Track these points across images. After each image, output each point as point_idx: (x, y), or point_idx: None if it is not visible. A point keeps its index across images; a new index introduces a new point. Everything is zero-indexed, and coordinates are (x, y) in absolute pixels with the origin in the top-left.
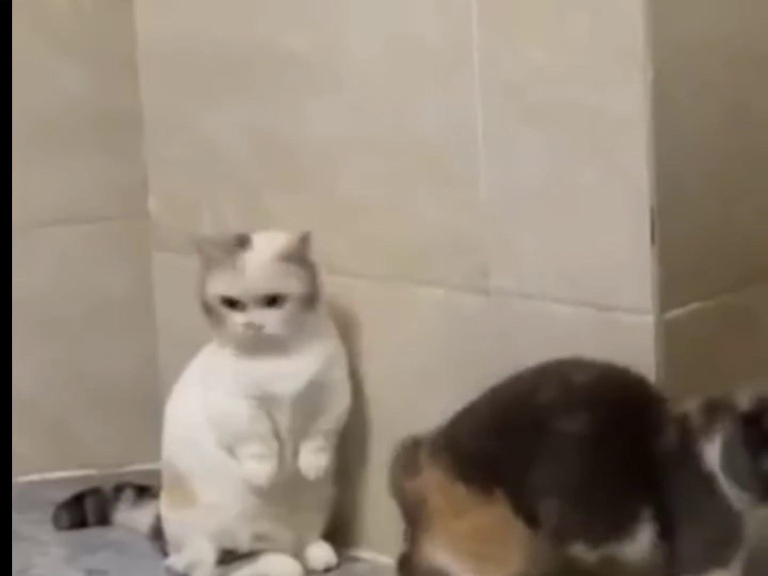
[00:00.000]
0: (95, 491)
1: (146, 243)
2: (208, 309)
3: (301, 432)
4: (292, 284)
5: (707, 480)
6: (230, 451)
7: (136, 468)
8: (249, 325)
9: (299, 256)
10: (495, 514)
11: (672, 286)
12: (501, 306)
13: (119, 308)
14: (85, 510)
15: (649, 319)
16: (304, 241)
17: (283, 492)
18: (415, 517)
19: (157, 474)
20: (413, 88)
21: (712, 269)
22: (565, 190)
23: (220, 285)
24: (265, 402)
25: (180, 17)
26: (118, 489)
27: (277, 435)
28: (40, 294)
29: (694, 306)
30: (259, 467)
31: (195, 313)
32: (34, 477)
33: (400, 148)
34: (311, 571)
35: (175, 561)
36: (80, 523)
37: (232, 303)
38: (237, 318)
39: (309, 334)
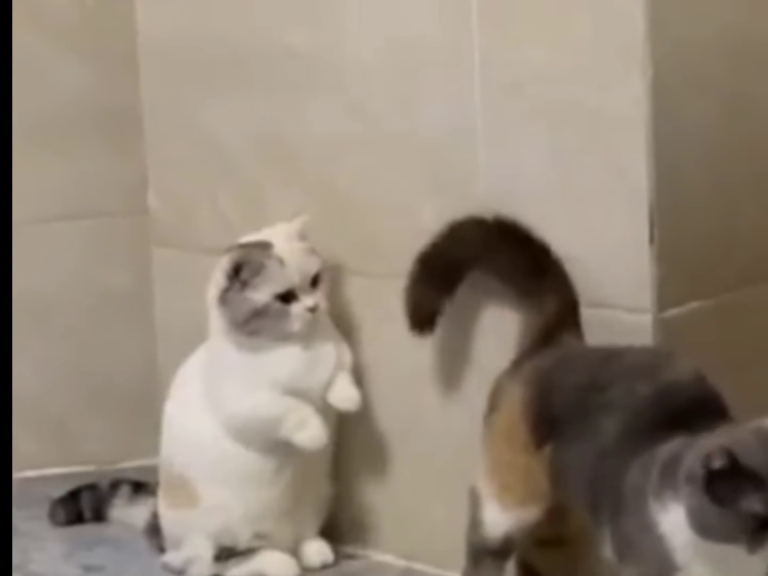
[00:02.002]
0: (91, 487)
1: (146, 239)
2: (260, 315)
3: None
4: (319, 260)
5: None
6: (272, 443)
7: (134, 464)
8: (309, 309)
9: (306, 237)
10: (534, 468)
11: (670, 285)
12: (498, 307)
13: (119, 304)
14: (81, 506)
15: (648, 318)
16: (307, 223)
17: (287, 488)
18: (489, 408)
19: (154, 470)
20: (413, 86)
21: (711, 268)
22: (564, 188)
23: (272, 285)
24: (296, 392)
25: (180, 14)
26: (114, 485)
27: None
28: (40, 290)
29: (692, 305)
30: (308, 433)
31: (194, 309)
32: (32, 473)
33: (399, 145)
34: (308, 569)
35: (172, 557)
36: (76, 518)
37: (285, 298)
38: (297, 308)
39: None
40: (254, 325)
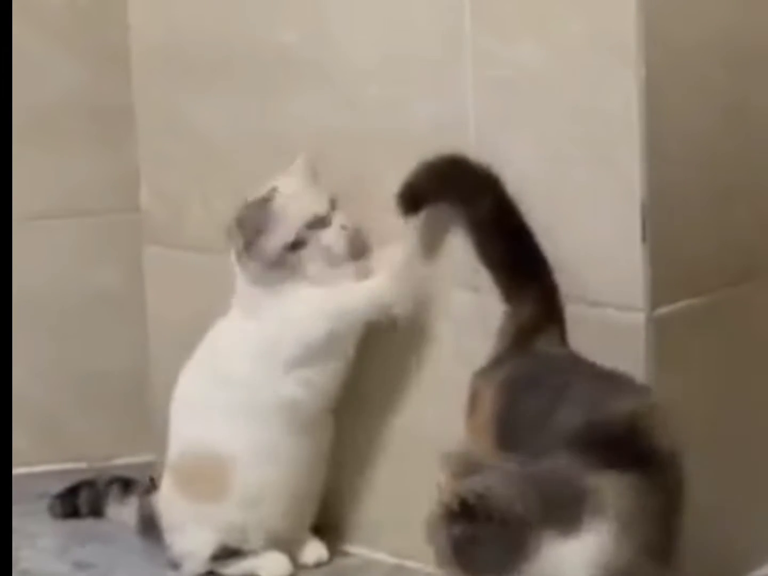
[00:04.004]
0: (90, 483)
1: (138, 237)
2: (289, 253)
3: None
4: (326, 195)
5: None
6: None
7: (126, 461)
8: (344, 227)
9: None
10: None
11: (663, 283)
12: (491, 302)
13: (110, 301)
14: (78, 501)
15: (640, 316)
16: (310, 161)
17: (312, 472)
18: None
19: (146, 467)
20: (405, 83)
21: (704, 266)
22: (556, 186)
23: (300, 214)
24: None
25: (172, 12)
26: (109, 483)
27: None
28: (31, 286)
29: (684, 303)
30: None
31: (186, 306)
32: (24, 470)
33: (391, 142)
34: (302, 567)
35: (170, 549)
36: (73, 513)
37: (315, 224)
38: (332, 231)
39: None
40: (284, 267)
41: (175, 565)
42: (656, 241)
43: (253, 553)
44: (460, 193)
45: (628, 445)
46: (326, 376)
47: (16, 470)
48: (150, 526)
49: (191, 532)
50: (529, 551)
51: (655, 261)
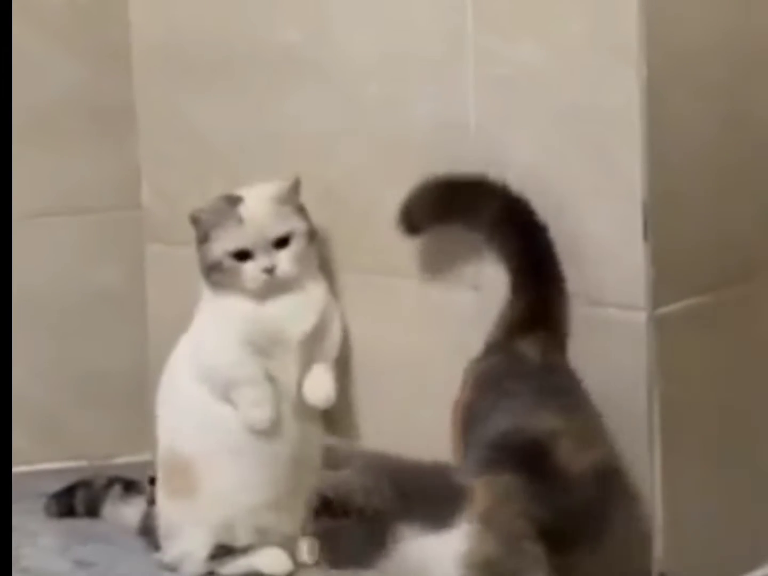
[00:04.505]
0: (87, 483)
1: (139, 235)
2: (215, 270)
3: (303, 372)
4: (294, 223)
5: None
6: (226, 399)
7: (126, 460)
8: (265, 270)
9: (291, 200)
10: None
11: (664, 282)
12: (492, 301)
13: (111, 300)
14: (75, 501)
15: (642, 316)
16: (295, 187)
17: (285, 475)
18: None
19: (146, 466)
20: (406, 81)
21: (705, 265)
22: (557, 185)
23: (226, 242)
24: (269, 346)
25: (173, 11)
26: (108, 483)
27: (274, 382)
28: (31, 285)
29: (686, 302)
30: (258, 412)
31: (186, 304)
32: (24, 468)
33: (392, 140)
34: (302, 565)
35: (166, 553)
36: (68, 512)
37: (241, 256)
38: (250, 267)
39: (311, 272)
40: (214, 278)
41: (173, 569)
42: (658, 240)
43: (251, 550)
44: (461, 213)
45: (530, 458)
46: (258, 394)
47: (17, 469)
48: (152, 527)
49: (186, 533)
50: (390, 545)
51: (656, 260)
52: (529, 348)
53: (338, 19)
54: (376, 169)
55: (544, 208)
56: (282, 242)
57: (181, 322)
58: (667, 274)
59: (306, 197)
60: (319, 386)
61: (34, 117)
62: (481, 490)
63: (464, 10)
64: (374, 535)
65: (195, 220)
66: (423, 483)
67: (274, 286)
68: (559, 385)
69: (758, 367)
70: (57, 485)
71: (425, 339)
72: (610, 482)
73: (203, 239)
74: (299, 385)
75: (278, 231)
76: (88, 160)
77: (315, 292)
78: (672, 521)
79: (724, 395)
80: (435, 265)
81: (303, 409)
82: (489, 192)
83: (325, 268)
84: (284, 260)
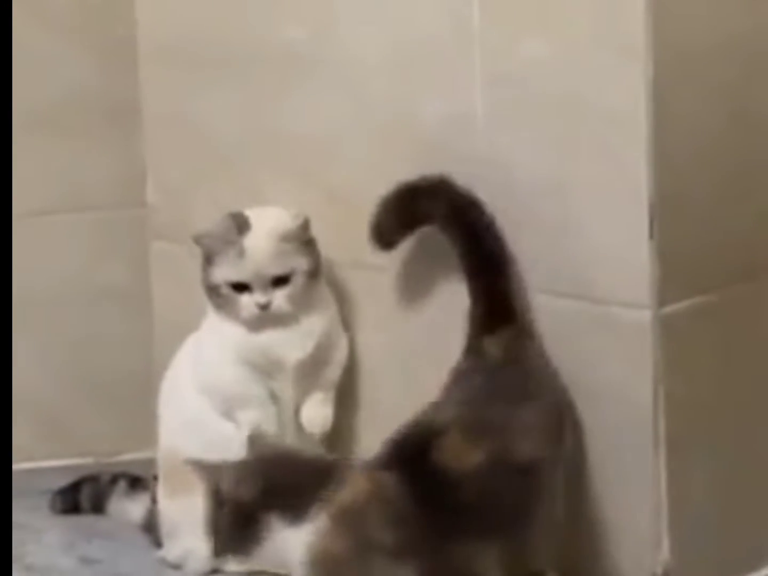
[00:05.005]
0: (93, 479)
1: (144, 233)
2: (213, 293)
3: (302, 396)
4: (295, 262)
5: None
6: (228, 416)
7: (131, 457)
8: (258, 306)
9: (299, 236)
10: None
11: (670, 280)
12: None
13: (116, 297)
14: (80, 497)
15: (647, 314)
16: (305, 226)
17: None
18: None
19: (152, 463)
20: (413, 77)
21: (711, 264)
22: (563, 182)
23: (226, 271)
24: (267, 369)
25: (180, 8)
26: (114, 479)
27: (276, 402)
28: (37, 282)
29: (691, 301)
30: (258, 431)
31: (192, 302)
32: (29, 465)
33: (398, 138)
34: None
35: (169, 551)
36: (73, 508)
37: (239, 287)
38: (246, 300)
39: (311, 305)
40: (213, 300)
41: (177, 567)
42: (663, 238)
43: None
44: (421, 219)
45: (411, 453)
46: (258, 413)
47: (22, 465)
48: (155, 527)
49: (188, 532)
50: (261, 535)
51: (662, 259)
52: (492, 346)
53: (344, 16)
54: (381, 166)
55: (550, 206)
56: (281, 280)
57: (187, 319)
58: (672, 273)
59: (311, 196)
60: (316, 415)
61: (40, 114)
62: (350, 487)
63: (471, 7)
64: (247, 525)
65: (198, 243)
66: (300, 477)
67: (268, 320)
68: (509, 381)
69: (763, 366)
70: (62, 482)
71: (435, 339)
72: (507, 478)
73: (206, 261)
74: (298, 409)
75: (278, 270)
76: (93, 157)
77: (313, 323)
78: (677, 520)
79: (729, 393)
80: (443, 264)
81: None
82: (439, 193)
83: (330, 268)
84: (280, 297)
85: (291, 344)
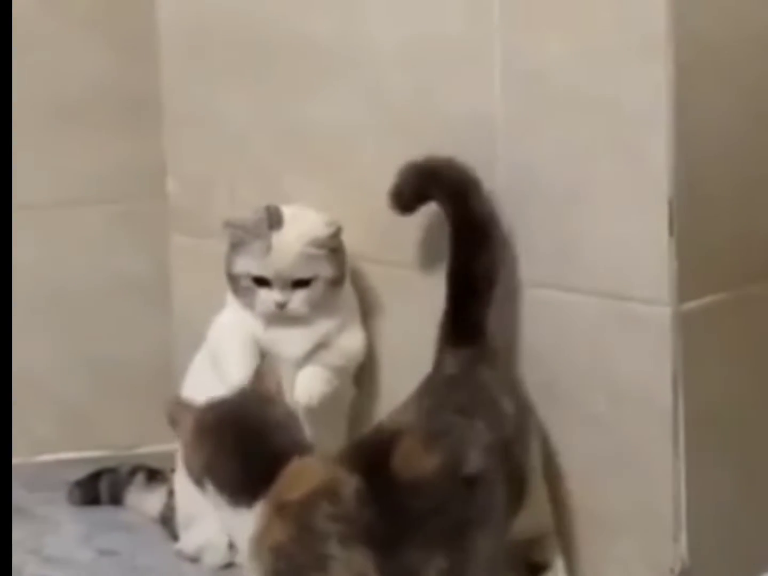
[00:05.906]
0: (112, 471)
1: (164, 225)
2: (235, 281)
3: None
4: (319, 268)
5: None
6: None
7: (150, 449)
8: (276, 304)
9: (328, 244)
10: None
11: (690, 277)
12: (517, 295)
13: (136, 290)
14: (99, 488)
15: (667, 311)
16: (336, 234)
17: None
18: None
19: (171, 456)
20: (434, 75)
21: (731, 261)
22: (583, 179)
23: (250, 264)
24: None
25: (201, 1)
26: (133, 471)
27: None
28: (57, 274)
29: (711, 298)
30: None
31: (211, 295)
32: (49, 457)
33: (419, 134)
34: None
35: (186, 543)
36: (92, 500)
37: (259, 280)
38: (264, 295)
39: (327, 309)
40: (232, 286)
41: (194, 559)
42: (683, 235)
43: None
44: (443, 193)
45: (368, 457)
46: None
47: (41, 458)
48: (172, 517)
49: (206, 523)
50: (224, 516)
51: (682, 255)
52: (448, 362)
53: (367, 12)
54: (402, 161)
55: (570, 203)
56: (302, 282)
57: (206, 312)
58: (692, 270)
59: (330, 189)
60: (305, 386)
61: (62, 106)
62: (303, 481)
63: (492, 6)
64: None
65: (227, 229)
66: (250, 459)
67: (281, 317)
68: (462, 397)
69: None
70: (81, 474)
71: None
72: (459, 489)
73: (231, 249)
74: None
75: (300, 273)
76: (114, 149)
77: (320, 326)
78: (696, 516)
79: (749, 389)
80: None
81: (314, 415)
82: (463, 189)
83: (353, 263)
84: (298, 299)
85: (291, 342)
